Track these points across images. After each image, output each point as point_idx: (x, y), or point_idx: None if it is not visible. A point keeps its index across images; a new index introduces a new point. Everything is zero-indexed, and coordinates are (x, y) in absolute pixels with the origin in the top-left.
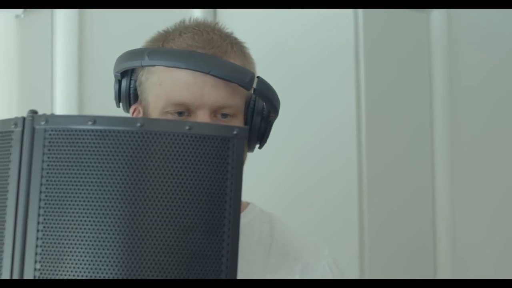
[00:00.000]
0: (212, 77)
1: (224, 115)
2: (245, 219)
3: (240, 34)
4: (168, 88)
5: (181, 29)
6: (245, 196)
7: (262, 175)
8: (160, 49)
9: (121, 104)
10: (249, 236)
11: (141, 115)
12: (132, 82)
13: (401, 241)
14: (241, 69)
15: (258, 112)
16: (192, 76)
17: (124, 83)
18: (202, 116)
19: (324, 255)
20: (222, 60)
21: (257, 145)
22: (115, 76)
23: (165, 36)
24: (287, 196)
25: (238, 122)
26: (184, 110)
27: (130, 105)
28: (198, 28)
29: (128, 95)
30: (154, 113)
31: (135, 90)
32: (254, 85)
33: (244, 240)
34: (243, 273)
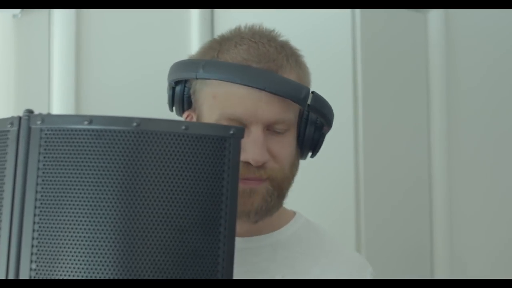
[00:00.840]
0: (267, 94)
1: (278, 129)
2: (292, 228)
3: None
4: (222, 102)
5: (236, 40)
6: None
7: None
8: (215, 62)
9: (174, 108)
10: (296, 245)
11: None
12: (186, 89)
13: (398, 241)
14: (296, 85)
15: (312, 123)
16: (247, 91)
17: (178, 89)
18: (256, 132)
19: (368, 272)
20: (277, 75)
21: (310, 154)
22: (169, 83)
23: (220, 45)
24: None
25: (291, 135)
26: (238, 124)
27: (183, 111)
28: (254, 39)
29: (182, 101)
30: None
31: (189, 97)
32: (309, 102)
33: (292, 249)
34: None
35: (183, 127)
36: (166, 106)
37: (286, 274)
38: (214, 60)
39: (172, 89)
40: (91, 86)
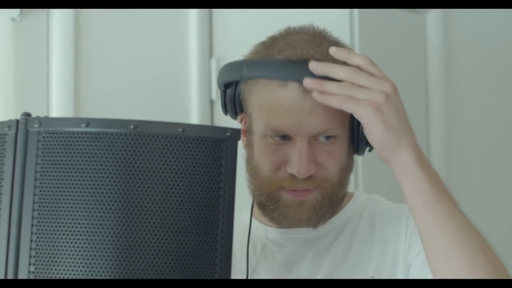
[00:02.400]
0: (310, 102)
1: (327, 137)
2: (352, 209)
3: (234, 34)
4: (267, 113)
5: (281, 46)
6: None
7: None
8: (259, 61)
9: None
10: (355, 225)
11: (247, 125)
12: (237, 93)
13: None
14: None
15: None
16: (291, 103)
17: (229, 93)
18: (301, 143)
19: (405, 212)
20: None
21: (367, 149)
22: (219, 86)
23: (266, 50)
24: None
25: (339, 142)
26: (284, 135)
27: (236, 114)
28: (299, 46)
29: (233, 105)
30: (257, 134)
31: (241, 101)
32: None
33: (353, 230)
34: (358, 260)
35: (180, 129)
36: (164, 108)
37: (351, 256)
38: (257, 59)
39: (223, 93)
40: (90, 88)
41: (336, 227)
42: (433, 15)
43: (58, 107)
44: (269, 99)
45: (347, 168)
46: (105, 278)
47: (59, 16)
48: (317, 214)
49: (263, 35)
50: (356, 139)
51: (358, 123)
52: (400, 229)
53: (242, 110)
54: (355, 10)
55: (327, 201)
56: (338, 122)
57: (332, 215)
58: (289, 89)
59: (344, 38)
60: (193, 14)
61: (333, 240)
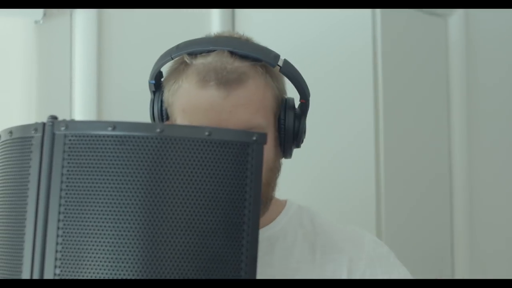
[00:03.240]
0: (229, 101)
1: None
2: (285, 218)
3: (257, 34)
4: (190, 115)
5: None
6: None
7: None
8: (187, 40)
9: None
10: (291, 235)
11: None
12: (163, 101)
13: (418, 241)
14: (266, 48)
15: (290, 108)
16: (210, 103)
17: (155, 105)
18: None
19: (366, 241)
20: (247, 42)
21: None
22: (150, 85)
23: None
24: (302, 197)
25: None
26: None
27: (163, 121)
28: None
29: (160, 112)
30: None
31: (166, 109)
32: (280, 63)
33: (289, 239)
34: (292, 271)
35: (206, 133)
36: None
37: (287, 266)
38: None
39: (152, 95)
40: (113, 90)
41: (270, 238)
42: (455, 18)
43: (81, 109)
44: (191, 101)
45: (273, 168)
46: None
47: (81, 18)
48: None
49: (285, 35)
50: (283, 137)
51: (284, 121)
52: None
53: (168, 118)
54: (377, 11)
55: None
56: (261, 120)
57: (261, 216)
58: (209, 90)
59: (366, 39)
60: (215, 14)
61: (265, 253)
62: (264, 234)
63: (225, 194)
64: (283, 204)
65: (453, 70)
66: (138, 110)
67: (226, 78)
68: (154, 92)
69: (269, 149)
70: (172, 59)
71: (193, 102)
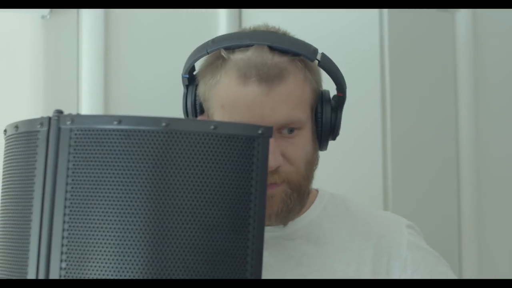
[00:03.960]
0: (271, 98)
1: (291, 130)
2: (320, 205)
3: None
4: (230, 111)
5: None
6: None
7: None
8: (223, 35)
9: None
10: (328, 221)
11: None
12: (197, 95)
13: (425, 237)
14: (304, 42)
15: (327, 101)
16: (252, 99)
17: (190, 94)
18: None
19: (404, 226)
20: (285, 36)
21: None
22: (183, 78)
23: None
24: None
25: (304, 135)
26: None
27: (196, 115)
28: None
29: (194, 107)
30: None
31: (201, 104)
32: (318, 58)
33: (325, 226)
34: (331, 260)
35: (212, 127)
36: None
37: (327, 253)
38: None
39: (185, 89)
40: (119, 86)
41: (305, 227)
42: (463, 15)
43: (87, 105)
44: (231, 97)
45: (312, 161)
46: (137, 275)
47: (89, 14)
48: (287, 208)
49: (292, 35)
50: (320, 130)
51: (321, 114)
52: (395, 262)
53: (202, 112)
54: (385, 10)
55: (296, 193)
56: (301, 114)
57: (300, 209)
58: (250, 87)
59: (374, 38)
60: (222, 14)
61: (302, 242)
62: (300, 223)
63: (231, 188)
64: (315, 193)
65: (461, 66)
66: (145, 107)
67: (267, 74)
68: (187, 86)
69: (307, 144)
70: (208, 53)
71: (233, 98)
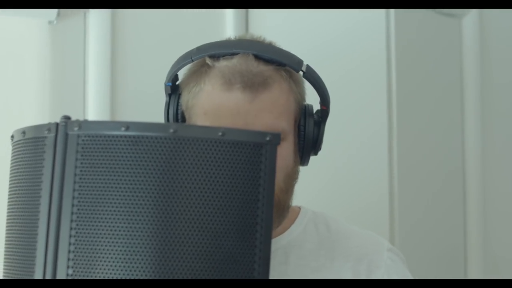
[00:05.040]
0: (254, 105)
1: None
2: (301, 225)
3: (270, 34)
4: (213, 118)
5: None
6: None
7: None
8: (207, 43)
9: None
10: (307, 242)
11: None
12: (180, 104)
13: (432, 241)
14: (289, 53)
15: (310, 115)
16: (235, 105)
17: (171, 108)
18: None
19: (385, 249)
20: (270, 45)
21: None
22: (166, 87)
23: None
24: (315, 199)
25: (286, 146)
26: None
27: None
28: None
29: (175, 115)
30: None
31: (183, 113)
32: (303, 69)
33: (304, 247)
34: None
35: (220, 134)
36: None
37: (303, 275)
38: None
39: (168, 98)
40: (126, 91)
41: (285, 247)
42: (469, 19)
43: (94, 110)
44: (214, 104)
45: (292, 175)
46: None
47: (95, 19)
48: None
49: (298, 35)
50: (302, 143)
51: (304, 127)
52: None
53: (184, 121)
54: (391, 11)
55: (275, 207)
56: (284, 124)
57: (279, 224)
58: (234, 93)
59: (380, 40)
60: (229, 14)
61: (281, 263)
62: (279, 243)
63: (238, 195)
64: (297, 211)
65: (467, 70)
66: (152, 111)
67: (252, 82)
68: (170, 95)
69: (289, 156)
70: (193, 61)
71: (217, 105)
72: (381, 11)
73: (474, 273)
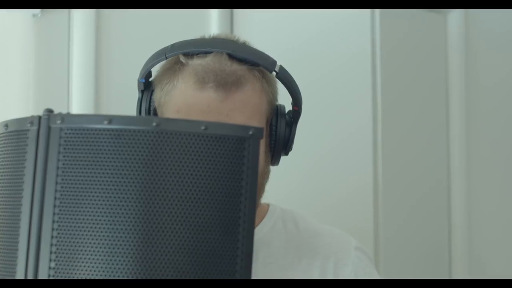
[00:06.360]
0: (226, 104)
1: None
2: (270, 222)
3: (255, 34)
4: (185, 115)
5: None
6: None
7: (277, 177)
8: (182, 41)
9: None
10: (275, 240)
11: None
12: (152, 100)
13: (416, 241)
14: (263, 53)
15: (282, 115)
16: (207, 104)
17: (143, 105)
18: None
19: (352, 247)
20: (244, 45)
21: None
22: (139, 83)
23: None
24: (302, 197)
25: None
26: None
27: None
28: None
29: (147, 114)
30: None
31: (155, 110)
32: (276, 69)
33: (273, 245)
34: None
35: (203, 127)
36: None
37: (271, 273)
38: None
39: (140, 94)
40: (110, 86)
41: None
42: (454, 15)
43: (78, 104)
44: (187, 101)
45: (262, 174)
46: (126, 274)
47: (80, 13)
48: None
49: (283, 35)
50: (273, 143)
51: (276, 128)
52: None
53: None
54: (377, 10)
55: None
56: (256, 123)
57: None
58: (206, 92)
59: (365, 38)
60: (214, 14)
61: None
62: None
63: (221, 189)
64: (265, 208)
65: (452, 68)
66: (135, 104)
67: (225, 81)
68: (142, 91)
69: (260, 155)
70: (167, 58)
71: (189, 103)
72: (367, 10)
73: (459, 273)
